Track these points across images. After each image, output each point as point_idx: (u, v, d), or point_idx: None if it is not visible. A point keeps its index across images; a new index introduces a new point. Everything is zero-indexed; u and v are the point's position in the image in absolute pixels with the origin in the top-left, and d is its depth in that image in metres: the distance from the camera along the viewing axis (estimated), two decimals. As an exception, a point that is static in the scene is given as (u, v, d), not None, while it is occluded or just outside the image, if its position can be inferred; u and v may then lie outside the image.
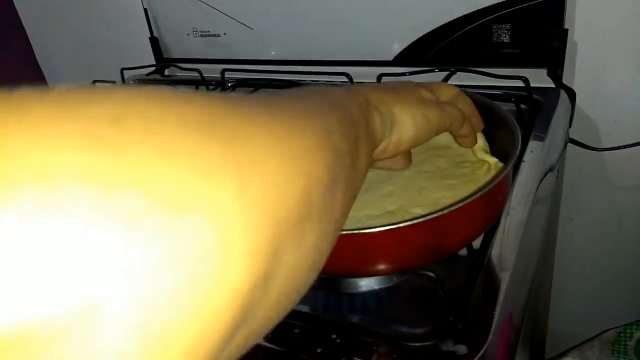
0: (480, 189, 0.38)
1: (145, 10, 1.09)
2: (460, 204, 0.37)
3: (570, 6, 0.73)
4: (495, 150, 0.50)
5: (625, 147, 0.76)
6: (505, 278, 0.45)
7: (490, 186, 0.39)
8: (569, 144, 0.80)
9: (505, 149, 0.48)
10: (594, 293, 0.97)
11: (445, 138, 0.54)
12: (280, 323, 0.43)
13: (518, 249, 0.48)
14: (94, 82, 1.02)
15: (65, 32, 1.28)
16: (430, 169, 0.50)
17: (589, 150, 0.80)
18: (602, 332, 0.76)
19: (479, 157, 0.49)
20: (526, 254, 0.49)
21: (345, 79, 0.85)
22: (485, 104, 0.51)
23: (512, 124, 0.47)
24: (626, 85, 0.77)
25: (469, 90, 0.74)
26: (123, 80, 1.07)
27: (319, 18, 0.90)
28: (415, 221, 0.37)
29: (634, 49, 0.74)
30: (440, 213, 0.37)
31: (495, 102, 0.52)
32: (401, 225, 0.37)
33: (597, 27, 0.75)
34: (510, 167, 0.41)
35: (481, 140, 0.50)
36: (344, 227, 0.45)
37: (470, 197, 0.38)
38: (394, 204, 0.46)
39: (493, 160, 0.47)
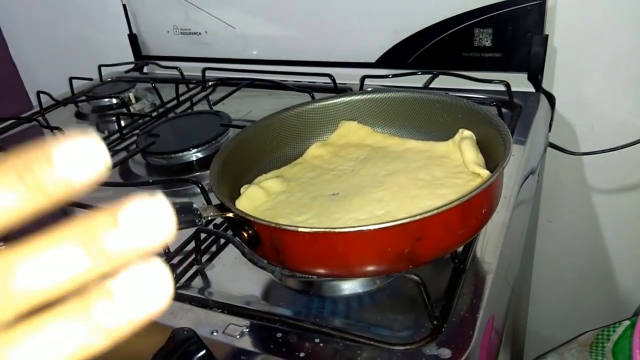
0: (458, 198, 0.38)
1: (125, 6, 1.07)
2: (435, 211, 0.37)
3: (551, 13, 0.74)
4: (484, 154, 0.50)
5: (602, 152, 0.77)
6: (488, 281, 0.45)
7: (469, 196, 0.38)
8: (548, 148, 0.81)
9: (493, 156, 0.47)
10: (572, 295, 0.98)
11: (444, 147, 0.53)
12: (262, 327, 0.42)
13: (500, 252, 0.48)
14: (71, 78, 0.99)
15: (40, 27, 1.24)
16: (425, 177, 0.49)
17: (567, 155, 0.81)
18: (580, 335, 0.77)
19: (471, 170, 0.48)
20: (508, 257, 0.49)
21: (328, 80, 0.84)
22: (479, 113, 0.51)
23: (506, 135, 0.45)
24: (603, 92, 0.79)
25: (451, 93, 0.75)
26: (101, 77, 1.04)
27: (302, 18, 0.89)
28: (386, 224, 0.36)
29: (611, 56, 0.76)
30: (413, 218, 0.36)
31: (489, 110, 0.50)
32: (371, 227, 0.36)
33: (576, 34, 0.76)
34: (493, 179, 0.40)
35: (474, 154, 0.49)
36: (320, 225, 0.44)
37: (447, 205, 0.37)
38: (383, 209, 0.46)
39: (485, 173, 0.46)
